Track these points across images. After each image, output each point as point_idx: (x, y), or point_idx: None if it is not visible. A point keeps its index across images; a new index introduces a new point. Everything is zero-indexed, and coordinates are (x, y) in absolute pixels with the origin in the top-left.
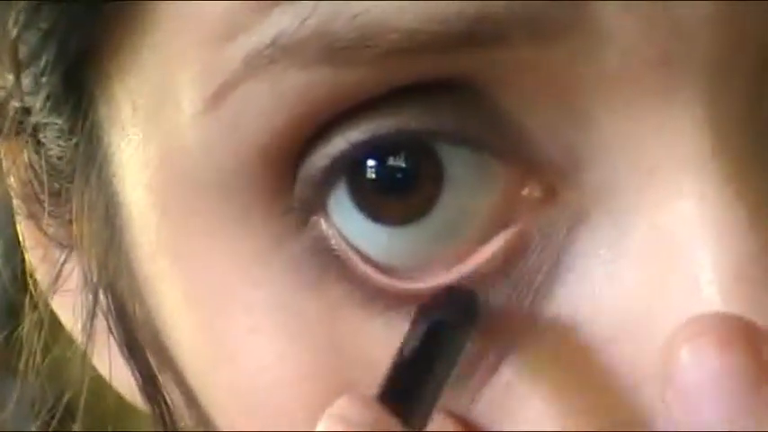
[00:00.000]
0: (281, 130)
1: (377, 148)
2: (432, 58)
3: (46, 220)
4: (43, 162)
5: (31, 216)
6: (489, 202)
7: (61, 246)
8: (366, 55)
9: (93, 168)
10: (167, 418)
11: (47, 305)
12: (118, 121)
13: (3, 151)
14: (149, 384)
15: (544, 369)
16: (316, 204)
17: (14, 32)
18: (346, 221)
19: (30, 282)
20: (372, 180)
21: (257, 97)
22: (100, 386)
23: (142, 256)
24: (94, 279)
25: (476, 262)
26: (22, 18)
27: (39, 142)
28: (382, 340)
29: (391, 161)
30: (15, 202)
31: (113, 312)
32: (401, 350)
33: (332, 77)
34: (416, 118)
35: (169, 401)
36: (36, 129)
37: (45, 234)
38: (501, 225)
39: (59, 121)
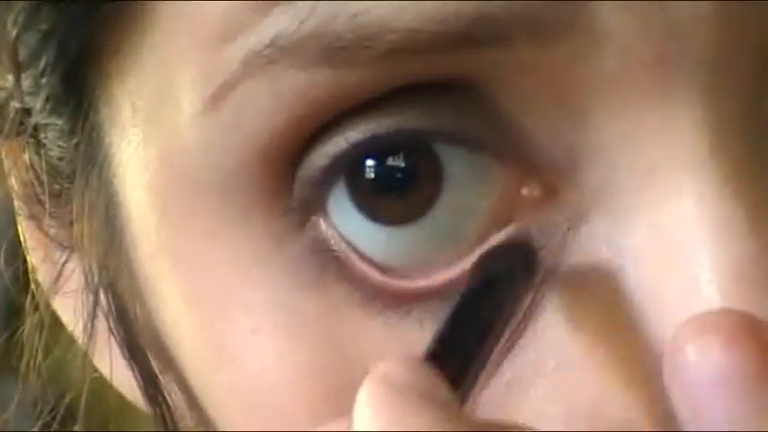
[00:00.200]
0: (281, 130)
1: (376, 147)
2: (431, 58)
3: (47, 221)
4: (44, 163)
5: (32, 217)
6: (488, 201)
7: (62, 246)
8: (365, 55)
9: (93, 169)
10: (168, 419)
11: (48, 306)
12: (118, 122)
13: (3, 152)
14: (150, 385)
15: (543, 369)
16: (315, 204)
17: (14, 33)
18: (345, 221)
19: (31, 282)
20: (372, 180)
21: (256, 98)
22: (101, 387)
23: (142, 256)
24: (95, 280)
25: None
26: (21, 19)
27: (39, 143)
28: (381, 339)
29: (391, 161)
30: (16, 203)
31: (114, 313)
32: (455, 305)
33: (331, 78)
34: (416, 118)
35: (170, 402)
36: (36, 130)
37: (46, 235)
38: (500, 225)
39: (60, 122)
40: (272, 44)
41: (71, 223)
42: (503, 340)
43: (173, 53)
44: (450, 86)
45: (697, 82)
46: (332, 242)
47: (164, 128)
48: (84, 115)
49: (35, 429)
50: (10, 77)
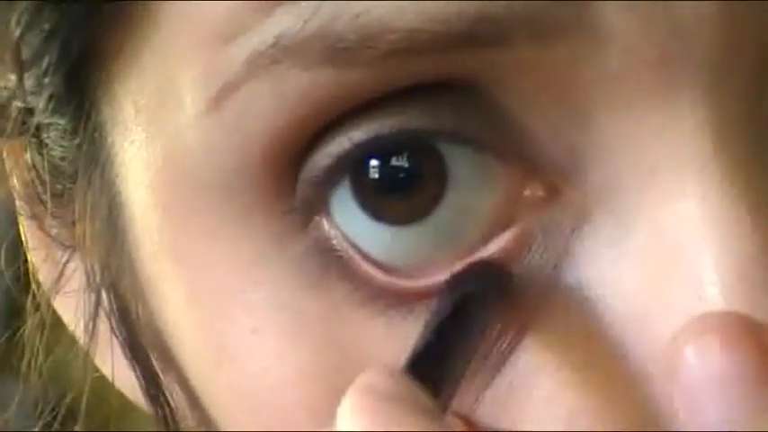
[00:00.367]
0: (283, 130)
1: (379, 147)
2: (433, 58)
3: (48, 221)
4: (46, 163)
5: (34, 217)
6: (491, 202)
7: (64, 246)
8: (368, 55)
9: (95, 169)
10: (170, 419)
11: (49, 306)
12: (120, 122)
13: (5, 152)
14: (152, 385)
15: (546, 370)
16: (318, 204)
17: (17, 33)
18: (349, 221)
19: (32, 282)
20: (375, 180)
21: (259, 98)
22: (102, 387)
23: (144, 256)
24: (97, 279)
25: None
26: (24, 19)
27: (41, 143)
28: (383, 339)
29: (394, 161)
30: (18, 202)
31: (116, 313)
32: (429, 322)
33: (334, 78)
34: (418, 118)
35: (172, 402)
36: (39, 129)
37: (48, 235)
38: (503, 225)
39: (62, 122)
40: (275, 44)
41: (73, 223)
42: (478, 355)
43: (175, 53)
44: (452, 86)
45: (700, 82)
46: (334, 242)
47: (166, 128)
48: (87, 115)
49: (36, 429)
50: (12, 77)
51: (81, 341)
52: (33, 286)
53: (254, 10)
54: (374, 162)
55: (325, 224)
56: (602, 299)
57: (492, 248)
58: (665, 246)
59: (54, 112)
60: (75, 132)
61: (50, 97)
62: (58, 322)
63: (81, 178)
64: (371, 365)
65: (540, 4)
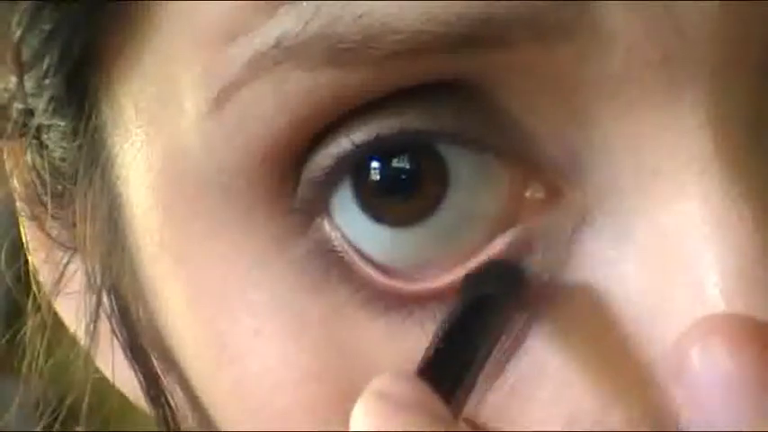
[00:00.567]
0: (285, 131)
1: (381, 148)
2: (435, 59)
3: (49, 222)
4: (46, 164)
5: (35, 218)
6: (493, 203)
7: (64, 247)
8: (369, 56)
9: (96, 170)
10: (171, 420)
11: (50, 307)
12: (121, 123)
13: (6, 153)
14: (152, 386)
15: (548, 371)
16: (319, 205)
17: (17, 34)
18: (350, 223)
19: (33, 283)
20: (376, 181)
21: (261, 99)
22: (103, 388)
23: (145, 257)
24: (98, 281)
25: (479, 263)
26: (24, 20)
27: (42, 144)
28: (384, 341)
29: (395, 162)
30: (18, 203)
31: (116, 314)
32: (443, 324)
33: (335, 78)
34: (419, 119)
35: (172, 403)
36: (39, 131)
37: (48, 236)
38: (504, 226)
39: (62, 123)
40: (276, 45)
41: (73, 224)
42: (492, 358)
43: (176, 54)
44: (454, 87)
45: (702, 82)
46: (335, 243)
47: (167, 129)
48: (87, 116)
49: (37, 430)
50: (13, 79)
51: (82, 342)
52: (34, 287)
53: (256, 11)
54: (375, 164)
55: (326, 225)
56: (604, 299)
57: (493, 250)
58: (667, 246)
59: (54, 113)
60: (75, 134)
61: (51, 99)
62: (58, 323)
63: (81, 179)
64: (372, 367)
65: (541, 6)
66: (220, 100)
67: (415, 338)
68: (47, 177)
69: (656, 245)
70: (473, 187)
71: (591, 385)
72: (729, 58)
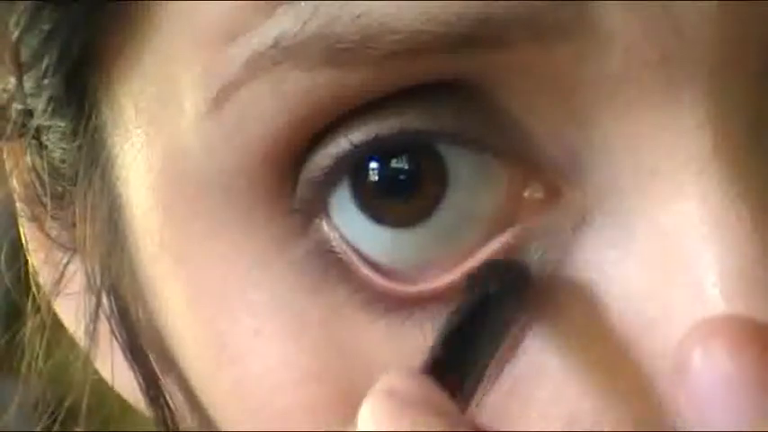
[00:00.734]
0: (284, 131)
1: (379, 148)
2: (433, 59)
3: (48, 223)
4: (46, 165)
5: (34, 218)
6: (492, 203)
7: (64, 248)
8: (368, 56)
9: (95, 171)
10: (170, 421)
11: (49, 308)
12: (120, 124)
13: (5, 153)
14: (152, 387)
15: (547, 371)
16: (318, 206)
17: (16, 35)
18: (349, 224)
19: (32, 284)
20: (375, 182)
21: (259, 99)
22: (102, 389)
23: (145, 258)
24: (97, 282)
25: (478, 263)
26: (23, 20)
27: (41, 145)
28: (384, 342)
29: (394, 163)
30: (18, 204)
31: (116, 315)
32: (450, 320)
33: (334, 78)
34: (418, 118)
35: (172, 404)
36: (38, 131)
37: (48, 236)
38: (504, 226)
39: (62, 124)
40: (275, 45)
41: (73, 225)
42: (498, 355)
43: (175, 54)
44: (453, 87)
45: (700, 82)
46: (334, 244)
47: (166, 129)
48: (87, 117)
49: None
50: (12, 79)
51: (81, 343)
52: (33, 288)
53: (254, 11)
54: (374, 164)
55: (325, 226)
56: (603, 299)
57: (492, 249)
58: (666, 246)
59: (54, 114)
60: (74, 134)
61: (50, 99)
62: (58, 324)
63: (81, 180)
64: (372, 367)
65: (540, 6)
66: (219, 100)
67: (415, 339)
68: (46, 178)
69: (655, 245)
70: (472, 187)
71: (590, 386)
72: (728, 59)
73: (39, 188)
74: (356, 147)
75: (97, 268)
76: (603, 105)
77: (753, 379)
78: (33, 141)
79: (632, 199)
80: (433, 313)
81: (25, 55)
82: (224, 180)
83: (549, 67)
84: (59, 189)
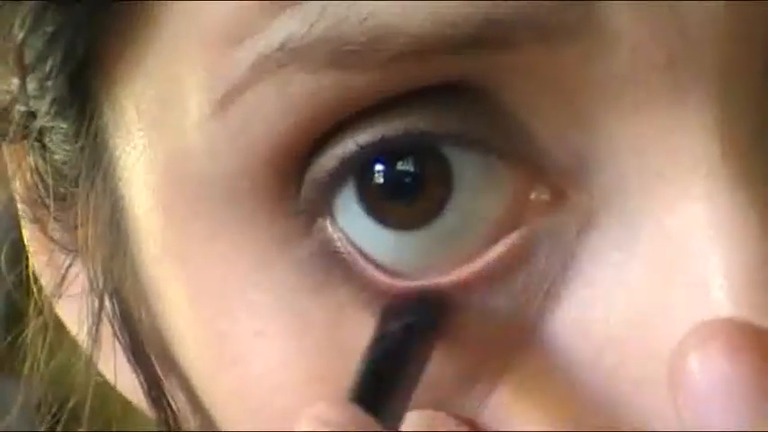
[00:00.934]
0: (289, 133)
1: (385, 150)
2: (440, 61)
3: (51, 225)
4: (48, 166)
5: (36, 220)
6: (497, 205)
7: (66, 250)
8: (374, 58)
9: (98, 172)
10: (172, 423)
11: (51, 310)
12: (123, 125)
13: (8, 155)
14: (154, 388)
15: (553, 373)
16: (322, 207)
17: (20, 36)
18: (353, 225)
19: (34, 286)
20: (381, 185)
21: (265, 101)
22: (105, 390)
23: (147, 260)
24: (100, 284)
25: (482, 265)
26: (27, 22)
27: (44, 146)
28: None
29: (399, 165)
30: (20, 206)
31: (119, 317)
32: (369, 351)
33: (340, 81)
34: (424, 120)
35: (174, 406)
36: (41, 133)
37: (50, 238)
38: (509, 228)
39: (65, 126)
40: (281, 47)
41: (75, 227)
42: (417, 383)
43: (179, 56)
44: (459, 89)
45: (707, 84)
46: (338, 245)
47: (169, 131)
48: (89, 119)
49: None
50: (15, 81)
51: (84, 345)
52: (35, 290)
53: (260, 13)
54: (379, 167)
55: (329, 227)
56: (610, 302)
57: (497, 252)
58: (672, 249)
59: (56, 115)
60: (77, 136)
61: (53, 101)
62: (60, 326)
63: (83, 182)
64: None
65: (547, 7)
66: (224, 102)
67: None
68: (49, 180)
69: (660, 247)
70: (477, 189)
71: (595, 387)
72: (734, 59)
73: (41, 190)
74: (362, 148)
75: (99, 270)
76: (609, 107)
77: (750, 382)
78: (36, 143)
79: (638, 201)
80: None
81: (29, 57)
82: (227, 181)
83: (554, 69)
84: (62, 191)
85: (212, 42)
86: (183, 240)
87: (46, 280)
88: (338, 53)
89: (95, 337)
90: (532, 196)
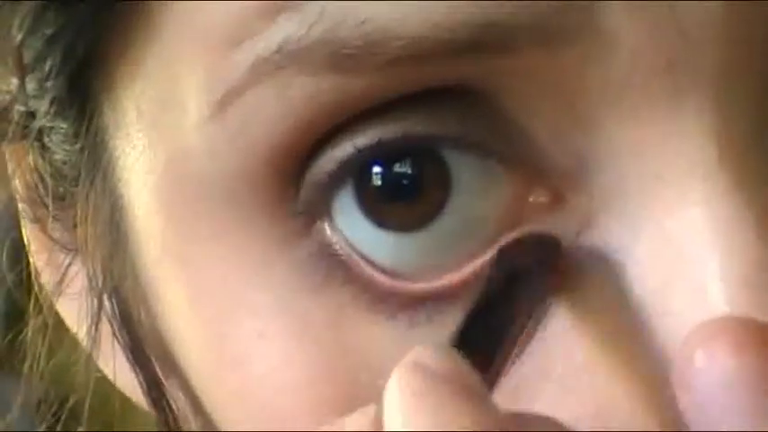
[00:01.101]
0: (288, 135)
1: (383, 153)
2: (438, 64)
3: (51, 224)
4: (48, 166)
5: (36, 220)
6: (496, 207)
7: (66, 249)
8: (372, 62)
9: (98, 172)
10: (172, 422)
11: (51, 308)
12: (123, 126)
13: (8, 155)
14: (154, 389)
15: (551, 375)
16: (321, 208)
17: (19, 37)
18: (352, 227)
19: (34, 285)
20: (379, 187)
21: (264, 103)
22: (105, 389)
23: (147, 260)
24: (99, 283)
25: (482, 266)
26: (27, 22)
27: (44, 146)
28: (389, 343)
29: (398, 168)
30: (20, 205)
31: (118, 317)
32: (478, 296)
33: (338, 84)
34: (422, 123)
35: (174, 406)
36: (41, 133)
37: (50, 238)
38: (508, 230)
39: (64, 126)
40: (279, 50)
41: (75, 226)
42: (525, 332)
43: (179, 58)
44: (457, 92)
45: (706, 87)
46: (337, 247)
47: (169, 132)
48: (89, 119)
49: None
50: (14, 81)
51: (84, 344)
52: (36, 289)
53: (259, 15)
54: (377, 169)
55: (328, 229)
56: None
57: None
58: (671, 252)
59: (56, 115)
60: (77, 136)
61: (52, 101)
62: (60, 324)
63: (83, 182)
64: (376, 369)
65: (545, 10)
66: (224, 104)
67: (420, 340)
68: (48, 179)
69: (659, 250)
70: (476, 192)
71: (594, 389)
72: (733, 61)
73: (41, 189)
74: (360, 151)
75: (99, 270)
76: (608, 110)
77: (754, 379)
78: (36, 143)
79: (637, 204)
80: (439, 313)
81: (28, 57)
82: (226, 183)
83: (553, 72)
84: (61, 190)
85: (212, 44)
86: (183, 241)
87: (46, 279)
88: (336, 56)
89: (95, 337)
90: (531, 198)
